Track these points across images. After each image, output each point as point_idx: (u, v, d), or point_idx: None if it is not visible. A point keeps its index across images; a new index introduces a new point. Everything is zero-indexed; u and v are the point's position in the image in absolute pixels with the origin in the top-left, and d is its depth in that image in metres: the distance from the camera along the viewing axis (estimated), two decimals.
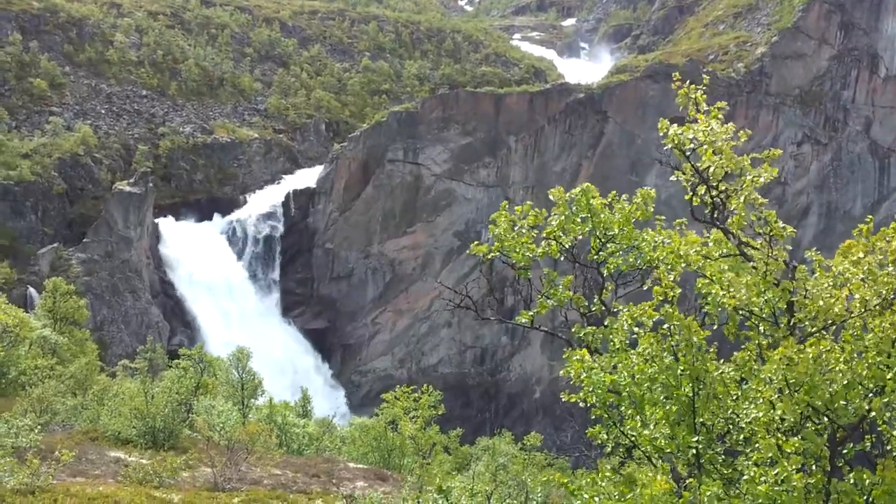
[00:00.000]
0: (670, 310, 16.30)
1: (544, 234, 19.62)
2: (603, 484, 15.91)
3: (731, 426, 16.30)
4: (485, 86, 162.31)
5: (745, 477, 14.38)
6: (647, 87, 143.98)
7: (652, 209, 19.28)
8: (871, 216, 17.38)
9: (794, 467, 14.06)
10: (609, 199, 19.60)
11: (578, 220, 19.06)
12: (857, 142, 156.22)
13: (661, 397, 15.97)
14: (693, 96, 17.94)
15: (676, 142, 17.73)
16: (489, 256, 19.92)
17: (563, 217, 19.21)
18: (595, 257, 19.47)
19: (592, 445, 18.13)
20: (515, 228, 19.78)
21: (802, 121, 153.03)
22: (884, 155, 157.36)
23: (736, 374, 16.46)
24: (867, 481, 14.74)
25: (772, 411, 14.85)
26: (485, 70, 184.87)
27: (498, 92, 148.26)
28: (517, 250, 19.53)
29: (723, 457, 16.34)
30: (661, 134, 18.53)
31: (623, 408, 16.38)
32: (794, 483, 13.87)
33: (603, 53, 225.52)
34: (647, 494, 14.25)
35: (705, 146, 17.38)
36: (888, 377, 14.42)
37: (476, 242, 20.12)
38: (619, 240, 19.14)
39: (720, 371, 16.22)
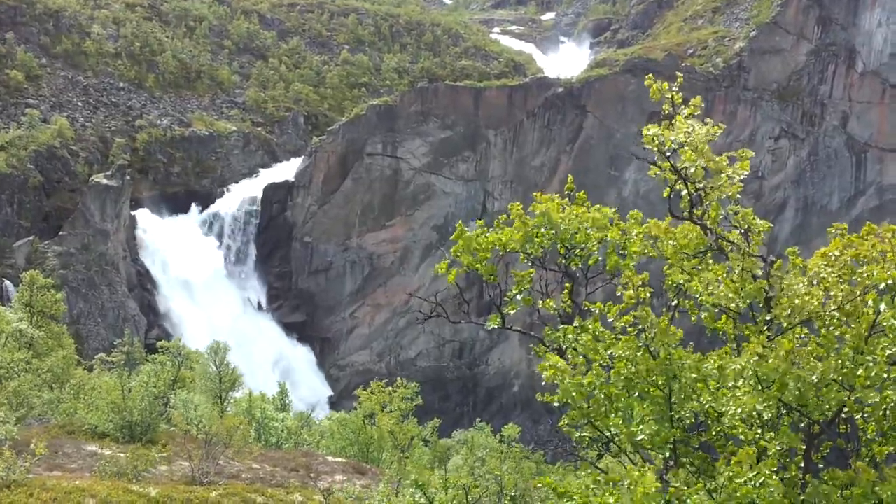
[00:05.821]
0: (643, 313, 16.32)
1: (507, 250, 19.62)
2: (591, 486, 15.88)
3: (709, 420, 16.35)
4: (464, 79, 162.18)
5: (721, 478, 14.46)
6: (626, 82, 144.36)
7: (612, 226, 19.27)
8: (844, 224, 17.45)
9: (752, 472, 14.11)
10: (578, 199, 19.62)
11: (542, 231, 19.08)
12: (834, 136, 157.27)
13: (636, 395, 16.02)
14: (669, 95, 17.94)
15: (657, 143, 17.74)
16: (451, 277, 19.74)
17: (523, 236, 19.20)
18: (563, 262, 19.52)
19: (569, 439, 18.15)
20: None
21: (780, 115, 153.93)
22: (860, 150, 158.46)
23: (714, 365, 16.48)
24: (842, 478, 14.82)
25: (743, 407, 14.90)
26: (464, 64, 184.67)
27: (477, 86, 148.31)
28: (480, 262, 19.57)
29: (699, 451, 16.40)
30: (643, 136, 18.50)
31: (597, 406, 16.38)
32: (761, 483, 13.95)
33: (582, 48, 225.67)
34: (639, 492, 14.23)
35: (686, 147, 17.40)
36: (858, 374, 14.50)
37: (444, 263, 19.95)
38: (581, 248, 19.19)
39: (698, 362, 16.24)
